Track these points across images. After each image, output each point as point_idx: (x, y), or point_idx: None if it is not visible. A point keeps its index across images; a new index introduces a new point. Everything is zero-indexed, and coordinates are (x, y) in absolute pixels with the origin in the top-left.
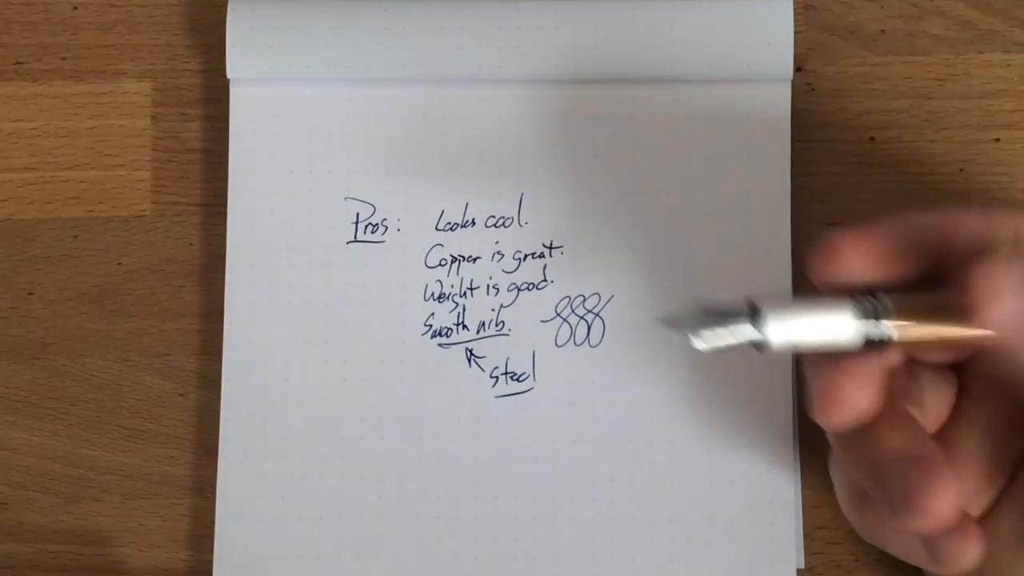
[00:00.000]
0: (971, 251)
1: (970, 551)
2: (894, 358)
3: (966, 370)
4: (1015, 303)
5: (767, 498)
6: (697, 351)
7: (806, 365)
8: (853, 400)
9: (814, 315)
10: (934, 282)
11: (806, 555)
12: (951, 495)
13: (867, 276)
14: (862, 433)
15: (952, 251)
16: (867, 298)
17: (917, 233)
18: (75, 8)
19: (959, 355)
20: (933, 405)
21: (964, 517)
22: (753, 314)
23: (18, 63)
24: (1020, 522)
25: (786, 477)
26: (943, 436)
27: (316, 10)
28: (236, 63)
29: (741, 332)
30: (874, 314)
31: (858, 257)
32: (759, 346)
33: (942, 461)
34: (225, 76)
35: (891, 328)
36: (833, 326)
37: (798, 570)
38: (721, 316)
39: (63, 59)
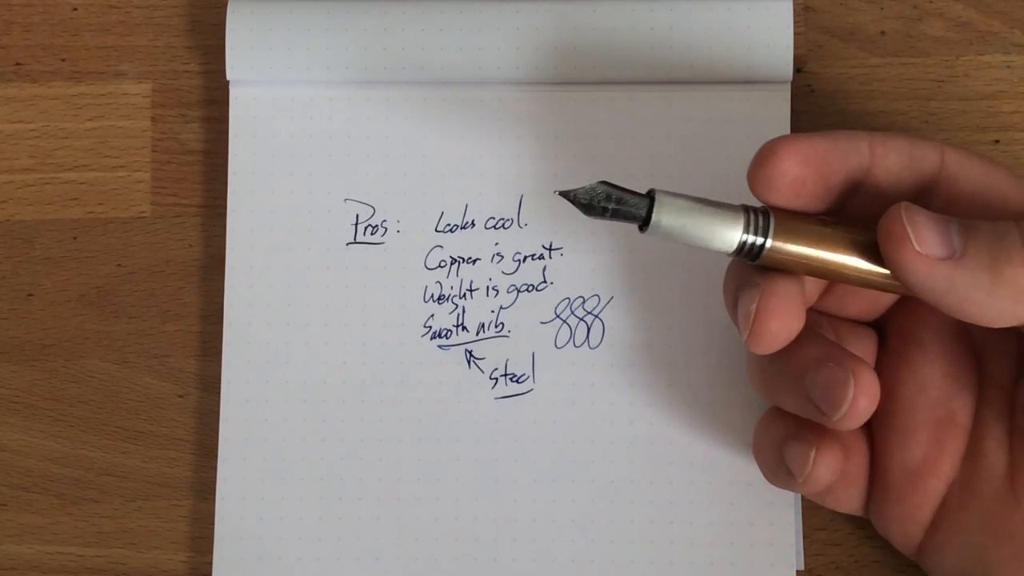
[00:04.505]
0: (895, 178)
1: (822, 466)
2: (809, 291)
3: (889, 331)
4: (933, 250)
5: (766, 499)
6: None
7: (737, 295)
8: (786, 323)
9: (702, 212)
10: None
11: (805, 556)
12: (872, 390)
13: (801, 181)
14: (784, 351)
15: (876, 175)
16: (758, 213)
17: (849, 148)
18: (75, 9)
19: (871, 309)
20: None
21: (823, 435)
22: (648, 199)
23: (18, 64)
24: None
25: None
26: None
27: (316, 11)
28: (236, 64)
29: (628, 208)
30: (756, 226)
31: (795, 161)
32: (641, 225)
33: (860, 360)
34: (225, 77)
35: (768, 241)
36: (715, 225)
37: (797, 571)
38: (617, 191)
39: (63, 60)
